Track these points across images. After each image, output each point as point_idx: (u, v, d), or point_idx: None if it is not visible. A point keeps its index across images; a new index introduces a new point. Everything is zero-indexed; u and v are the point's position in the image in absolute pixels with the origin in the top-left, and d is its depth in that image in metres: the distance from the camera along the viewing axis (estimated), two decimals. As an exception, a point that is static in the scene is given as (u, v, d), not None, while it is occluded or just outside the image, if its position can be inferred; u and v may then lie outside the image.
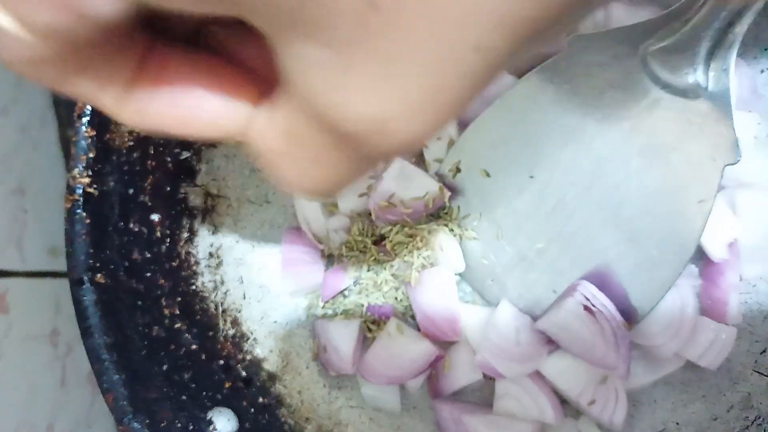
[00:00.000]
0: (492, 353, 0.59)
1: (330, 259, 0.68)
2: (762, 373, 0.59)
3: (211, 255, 0.66)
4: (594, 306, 0.57)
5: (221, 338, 0.63)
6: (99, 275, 0.56)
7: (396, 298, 0.65)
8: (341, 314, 0.65)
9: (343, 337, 0.62)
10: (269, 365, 0.65)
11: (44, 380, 0.89)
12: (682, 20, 0.49)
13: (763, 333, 0.61)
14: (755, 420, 0.58)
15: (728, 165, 0.51)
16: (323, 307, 0.66)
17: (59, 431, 0.88)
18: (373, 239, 0.64)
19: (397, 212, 0.61)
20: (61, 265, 0.86)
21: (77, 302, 0.55)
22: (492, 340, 0.59)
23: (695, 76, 0.50)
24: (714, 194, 0.52)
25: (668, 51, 0.51)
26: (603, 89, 0.55)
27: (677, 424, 0.61)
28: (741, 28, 0.46)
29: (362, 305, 0.65)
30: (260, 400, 0.62)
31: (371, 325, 0.64)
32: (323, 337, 0.63)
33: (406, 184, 0.61)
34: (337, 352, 0.62)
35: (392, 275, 0.64)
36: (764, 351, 0.60)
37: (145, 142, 0.62)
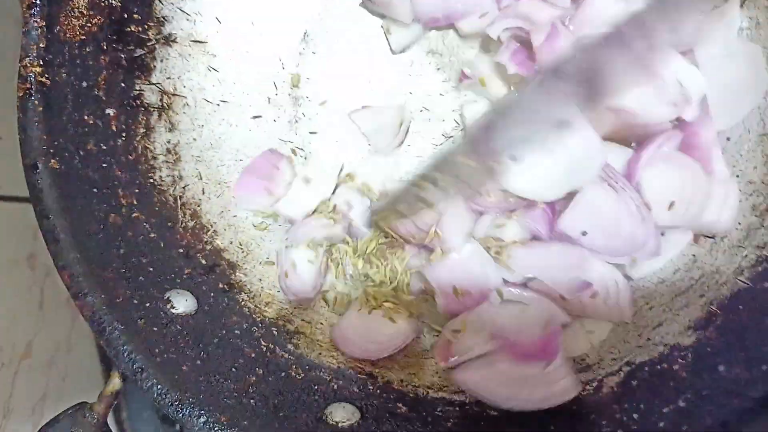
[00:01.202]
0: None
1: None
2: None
3: (168, 151, 0.66)
4: (617, 183, 0.58)
5: (180, 229, 0.64)
6: (53, 161, 0.57)
7: None
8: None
9: (304, 263, 0.63)
10: (230, 255, 0.66)
11: (23, 303, 0.90)
12: None
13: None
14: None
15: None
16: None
17: (39, 352, 0.89)
18: None
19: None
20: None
21: (32, 186, 0.56)
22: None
23: None
24: None
25: None
26: None
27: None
28: None
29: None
30: (220, 285, 0.63)
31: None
32: (286, 263, 0.65)
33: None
34: (299, 277, 0.63)
35: None
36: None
37: (96, 36, 0.62)
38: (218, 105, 0.70)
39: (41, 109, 0.57)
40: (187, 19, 0.69)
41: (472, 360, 0.60)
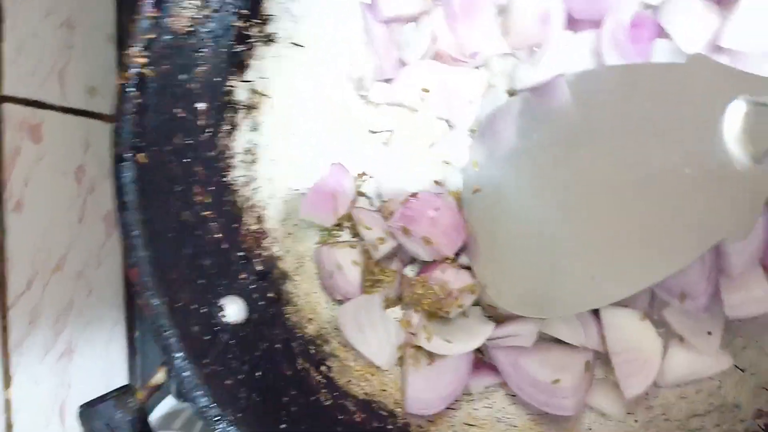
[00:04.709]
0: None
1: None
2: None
3: (247, 151, 0.68)
4: None
5: (244, 231, 0.67)
6: (141, 155, 0.58)
7: None
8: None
9: (348, 260, 0.66)
10: (284, 264, 0.69)
11: (65, 214, 0.93)
12: None
13: None
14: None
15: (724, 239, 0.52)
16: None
17: (71, 263, 0.93)
18: None
19: None
20: (96, 105, 0.89)
21: (117, 178, 0.58)
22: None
23: (760, 146, 0.50)
24: (693, 259, 0.53)
25: (761, 112, 0.51)
26: (680, 110, 0.55)
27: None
28: None
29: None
30: (270, 294, 0.67)
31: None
32: (328, 262, 0.67)
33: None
34: (345, 276, 0.66)
35: None
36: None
37: (201, 29, 0.62)
38: (302, 110, 0.71)
39: (139, 101, 0.59)
40: (292, 20, 0.68)
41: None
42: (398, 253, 0.70)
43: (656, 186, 0.56)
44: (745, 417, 0.61)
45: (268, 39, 0.67)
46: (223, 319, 0.62)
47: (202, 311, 0.60)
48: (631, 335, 0.62)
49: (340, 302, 0.69)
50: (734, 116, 0.53)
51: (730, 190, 0.52)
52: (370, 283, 0.68)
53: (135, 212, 0.58)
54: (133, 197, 0.58)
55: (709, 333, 0.62)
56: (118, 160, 0.58)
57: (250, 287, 0.65)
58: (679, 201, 0.55)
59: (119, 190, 0.58)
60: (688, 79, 0.55)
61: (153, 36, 0.58)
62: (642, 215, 0.56)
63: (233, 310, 0.63)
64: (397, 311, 0.70)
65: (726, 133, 0.53)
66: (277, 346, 0.65)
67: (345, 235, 0.70)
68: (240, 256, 0.66)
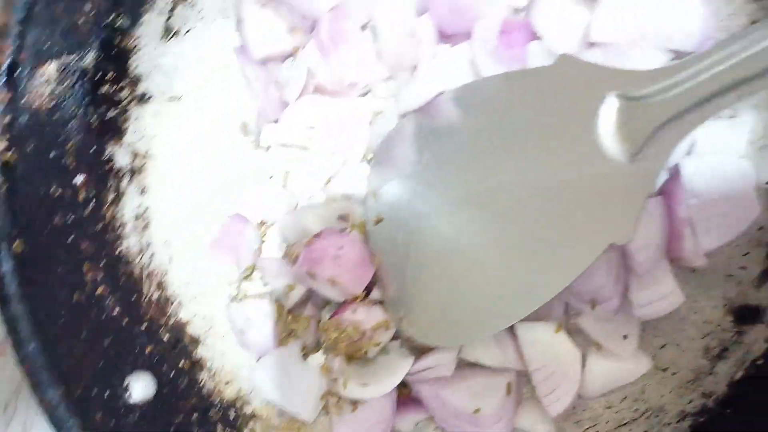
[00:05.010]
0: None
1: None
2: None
3: (137, 217, 0.65)
4: None
5: (145, 302, 0.64)
6: (17, 242, 0.56)
7: None
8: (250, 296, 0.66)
9: (259, 314, 0.64)
10: (193, 328, 0.67)
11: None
12: (665, 82, 0.48)
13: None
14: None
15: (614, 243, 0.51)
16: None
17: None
18: None
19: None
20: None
21: (-7, 270, 0.55)
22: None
23: (635, 140, 0.50)
24: (585, 266, 0.52)
25: (632, 106, 0.50)
26: (557, 113, 0.54)
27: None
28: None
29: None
30: (181, 363, 0.64)
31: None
32: (239, 319, 0.65)
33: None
34: (257, 330, 0.64)
35: None
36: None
37: (66, 101, 0.60)
38: (191, 166, 0.68)
39: (5, 188, 0.56)
40: (164, 75, 0.66)
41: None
42: (311, 297, 0.68)
43: (545, 194, 0.55)
44: (671, 420, 0.60)
45: (143, 98, 0.65)
46: (130, 400, 0.59)
47: (106, 395, 0.58)
48: (548, 349, 0.61)
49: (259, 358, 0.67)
50: (607, 114, 0.52)
51: (612, 192, 0.52)
52: (285, 334, 0.66)
53: (18, 305, 0.55)
54: (13, 288, 0.55)
55: (625, 336, 0.61)
56: (-7, 252, 0.56)
57: (158, 360, 0.63)
58: (567, 207, 0.54)
59: (-2, 284, 0.55)
60: (559, 80, 0.55)
61: (9, 119, 0.56)
62: (536, 225, 0.55)
63: (140, 387, 0.60)
64: (319, 357, 0.68)
65: (602, 132, 0.52)
66: (193, 416, 0.62)
67: (255, 287, 0.68)
68: (143, 329, 0.63)
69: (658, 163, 0.50)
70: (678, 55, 0.58)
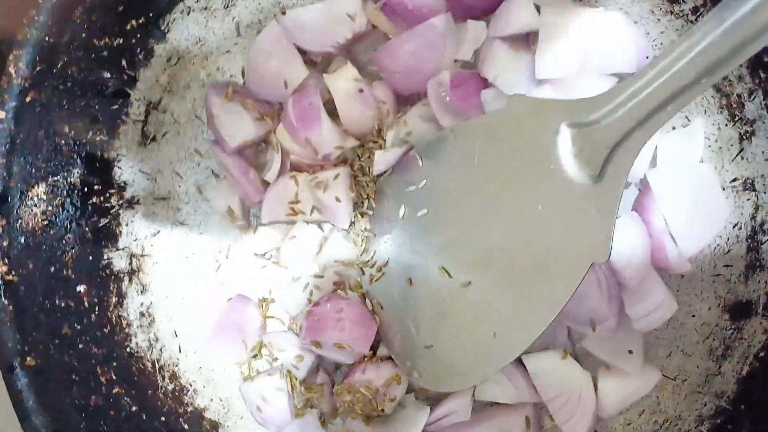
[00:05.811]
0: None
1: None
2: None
3: (142, 314, 0.68)
4: None
5: (161, 395, 0.66)
6: (29, 358, 0.58)
7: None
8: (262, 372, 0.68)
9: (272, 389, 0.65)
10: (211, 414, 0.68)
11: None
12: (610, 105, 0.51)
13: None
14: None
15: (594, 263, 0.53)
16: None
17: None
18: None
19: None
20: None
21: (10, 388, 0.57)
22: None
23: (594, 164, 0.52)
24: (573, 290, 0.53)
25: (585, 132, 0.52)
26: (518, 151, 0.57)
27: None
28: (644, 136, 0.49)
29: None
30: (203, 450, 0.65)
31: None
32: (253, 397, 0.66)
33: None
34: (272, 406, 0.65)
35: None
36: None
37: (58, 217, 0.63)
38: (187, 258, 0.71)
39: (11, 308, 0.58)
40: (148, 179, 0.69)
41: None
42: (321, 363, 0.69)
43: (522, 226, 0.57)
44: (690, 427, 0.60)
45: (131, 203, 0.68)
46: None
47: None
48: (559, 376, 0.62)
49: (279, 432, 0.68)
50: (564, 143, 0.54)
51: (583, 214, 0.53)
52: (302, 404, 0.67)
53: (38, 419, 0.57)
54: (31, 402, 0.57)
55: (630, 351, 0.62)
56: (8, 370, 0.58)
57: (181, 450, 0.64)
58: (545, 235, 0.55)
59: (15, 399, 0.57)
60: (514, 119, 0.57)
61: (6, 243, 0.59)
62: (520, 256, 0.57)
63: (166, 481, 0.61)
64: (338, 423, 0.69)
65: (563, 161, 0.54)
66: (220, 502, 0.63)
67: (265, 363, 0.70)
68: (163, 421, 0.65)
69: (620, 180, 0.52)
70: (621, 78, 0.61)
